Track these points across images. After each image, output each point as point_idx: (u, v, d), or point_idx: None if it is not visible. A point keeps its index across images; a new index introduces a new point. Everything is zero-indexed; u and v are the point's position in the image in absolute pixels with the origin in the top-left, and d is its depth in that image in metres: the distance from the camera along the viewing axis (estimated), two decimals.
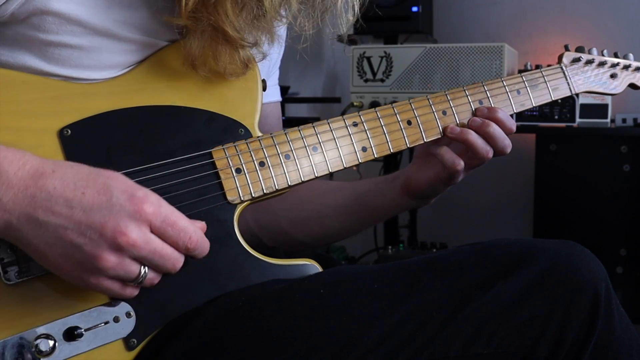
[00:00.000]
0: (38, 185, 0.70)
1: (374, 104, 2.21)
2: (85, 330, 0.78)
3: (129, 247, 0.72)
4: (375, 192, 1.09)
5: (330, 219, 1.10)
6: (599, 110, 2.11)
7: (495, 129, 0.99)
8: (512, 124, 1.01)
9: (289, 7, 0.85)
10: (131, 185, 0.73)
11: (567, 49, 1.13)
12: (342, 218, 1.10)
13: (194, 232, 0.76)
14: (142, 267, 0.74)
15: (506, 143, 1.00)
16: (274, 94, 1.10)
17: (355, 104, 2.25)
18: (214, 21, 0.81)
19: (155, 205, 0.73)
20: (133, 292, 0.77)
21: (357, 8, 0.92)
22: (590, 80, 1.13)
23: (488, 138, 0.99)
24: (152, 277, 0.76)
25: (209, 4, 0.81)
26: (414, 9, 2.40)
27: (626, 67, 1.16)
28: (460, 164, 0.98)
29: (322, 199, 1.10)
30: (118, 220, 0.71)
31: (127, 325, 0.80)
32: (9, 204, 0.70)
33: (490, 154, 0.99)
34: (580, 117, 2.11)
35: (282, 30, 1.01)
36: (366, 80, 2.24)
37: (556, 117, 2.11)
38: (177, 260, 0.76)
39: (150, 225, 0.73)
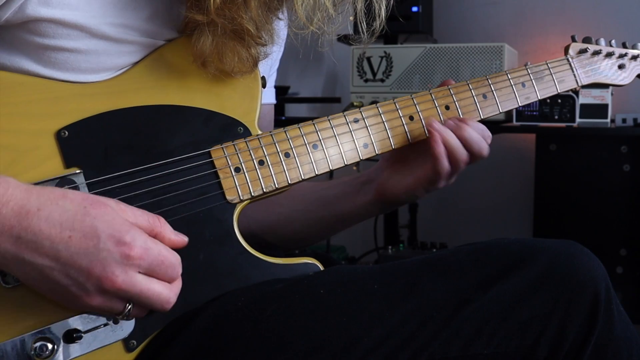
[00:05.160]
0: (23, 226, 0.69)
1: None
2: (85, 332, 0.78)
3: (115, 291, 0.71)
4: (344, 198, 1.07)
5: (301, 224, 1.08)
6: (599, 110, 2.11)
7: (470, 132, 0.96)
8: (488, 135, 0.98)
9: (324, 14, 0.85)
10: (118, 226, 0.71)
11: (574, 39, 1.10)
12: (311, 223, 1.08)
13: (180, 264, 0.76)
14: (127, 304, 0.73)
15: (482, 145, 0.97)
16: (269, 96, 1.09)
17: (355, 104, 2.24)
18: (236, 18, 0.81)
19: (143, 249, 0.72)
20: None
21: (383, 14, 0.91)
22: (597, 71, 1.10)
23: (463, 141, 0.96)
24: (138, 312, 0.76)
25: (236, 1, 0.80)
26: (414, 9, 2.40)
27: (634, 57, 1.13)
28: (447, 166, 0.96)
29: (293, 203, 1.08)
30: (105, 266, 0.70)
31: (127, 326, 0.80)
32: None
33: (466, 157, 0.97)
34: (580, 117, 2.11)
35: (282, 32, 1.01)
36: (366, 80, 2.24)
37: (556, 117, 2.11)
38: (166, 301, 0.75)
39: (139, 268, 0.72)
